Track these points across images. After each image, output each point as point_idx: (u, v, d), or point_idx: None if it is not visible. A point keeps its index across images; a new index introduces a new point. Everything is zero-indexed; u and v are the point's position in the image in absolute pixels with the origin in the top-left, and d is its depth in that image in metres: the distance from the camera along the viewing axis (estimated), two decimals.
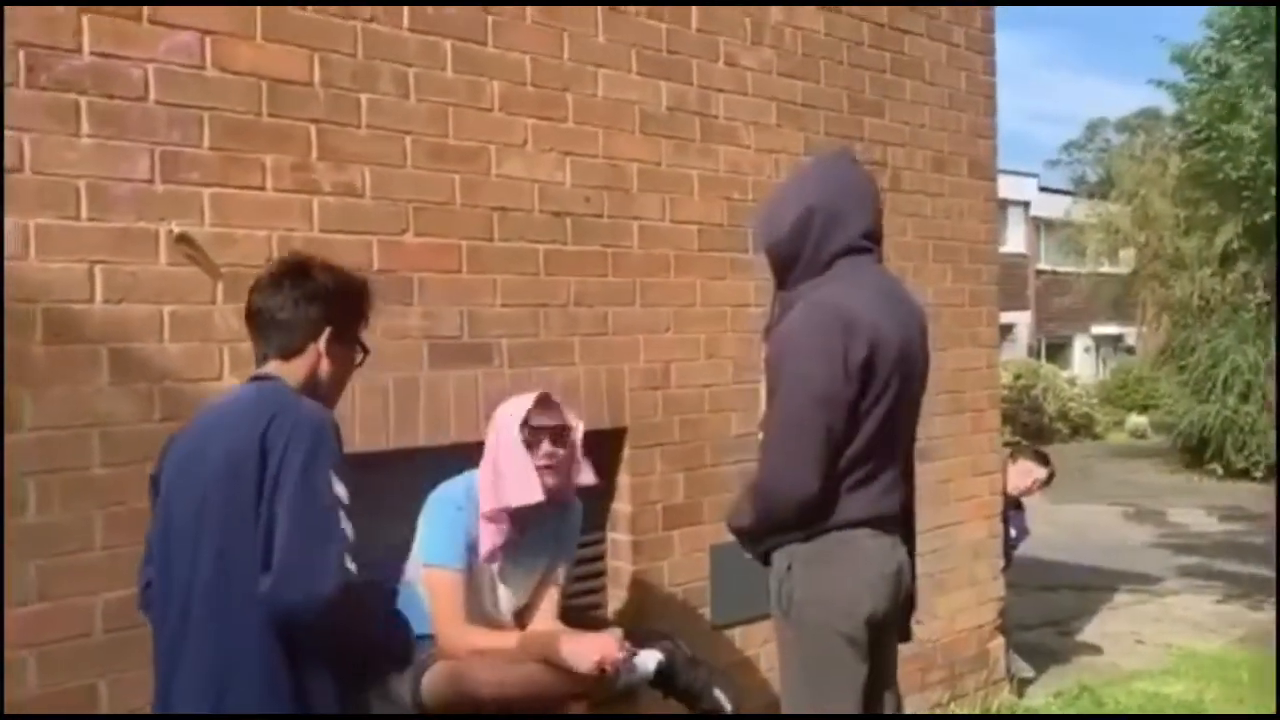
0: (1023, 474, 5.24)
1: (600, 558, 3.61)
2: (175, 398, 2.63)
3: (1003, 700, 4.85)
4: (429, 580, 2.75)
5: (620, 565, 3.61)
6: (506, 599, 2.88)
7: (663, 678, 2.82)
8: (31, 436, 2.44)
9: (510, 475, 2.72)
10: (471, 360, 3.17)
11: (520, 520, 2.79)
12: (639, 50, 3.56)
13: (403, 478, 2.90)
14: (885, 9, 4.33)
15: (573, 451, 2.83)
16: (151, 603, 2.09)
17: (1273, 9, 9.45)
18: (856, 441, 2.26)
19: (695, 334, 3.75)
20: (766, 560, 2.39)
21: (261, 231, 2.78)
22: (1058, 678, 5.34)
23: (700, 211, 3.75)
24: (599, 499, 3.59)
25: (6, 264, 2.42)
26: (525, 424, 2.75)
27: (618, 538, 3.61)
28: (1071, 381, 21.00)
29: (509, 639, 2.75)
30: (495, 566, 2.80)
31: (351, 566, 1.86)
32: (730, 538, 3.75)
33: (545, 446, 2.75)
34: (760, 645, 3.92)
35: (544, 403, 2.79)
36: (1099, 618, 6.86)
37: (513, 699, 2.62)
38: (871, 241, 2.45)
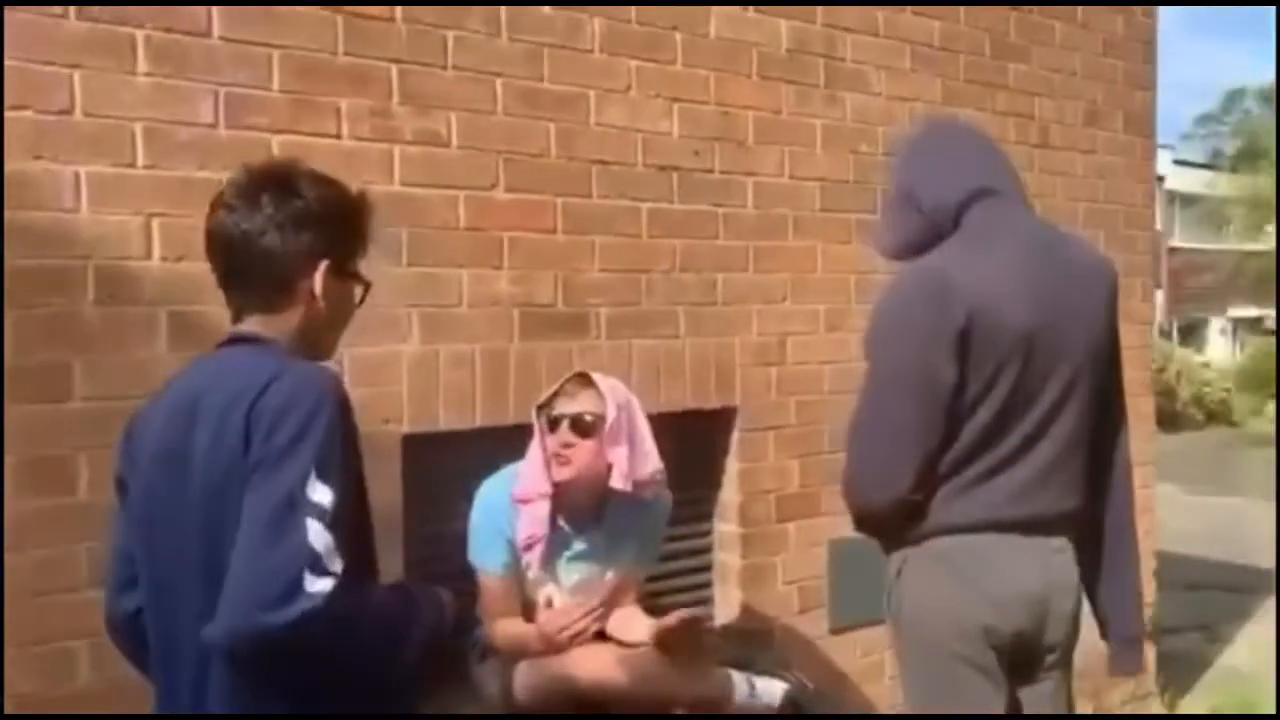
0: None
1: (706, 550, 3.27)
2: None
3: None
4: (481, 587, 2.51)
5: (728, 559, 3.26)
6: (562, 595, 2.52)
7: (795, 709, 2.52)
8: (82, 407, 2.22)
9: (527, 461, 2.46)
10: (566, 331, 2.85)
11: (566, 510, 2.47)
12: None
13: (491, 458, 2.61)
14: None
15: (605, 440, 2.42)
16: (144, 643, 1.59)
17: None
18: (969, 432, 1.87)
19: (815, 305, 3.36)
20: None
21: None
22: (1210, 690, 4.82)
23: (823, 167, 3.35)
24: (705, 486, 3.26)
25: (55, 215, 2.20)
26: (545, 407, 2.46)
27: (726, 529, 3.26)
28: (1206, 365, 19.77)
29: (527, 627, 2.46)
30: (537, 557, 2.47)
31: (319, 586, 1.33)
32: (850, 532, 3.43)
33: (562, 433, 2.42)
34: (884, 650, 3.52)
35: (580, 382, 2.47)
36: (1253, 623, 6.24)
37: (611, 694, 2.38)
38: (1000, 185, 2.02)
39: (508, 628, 2.47)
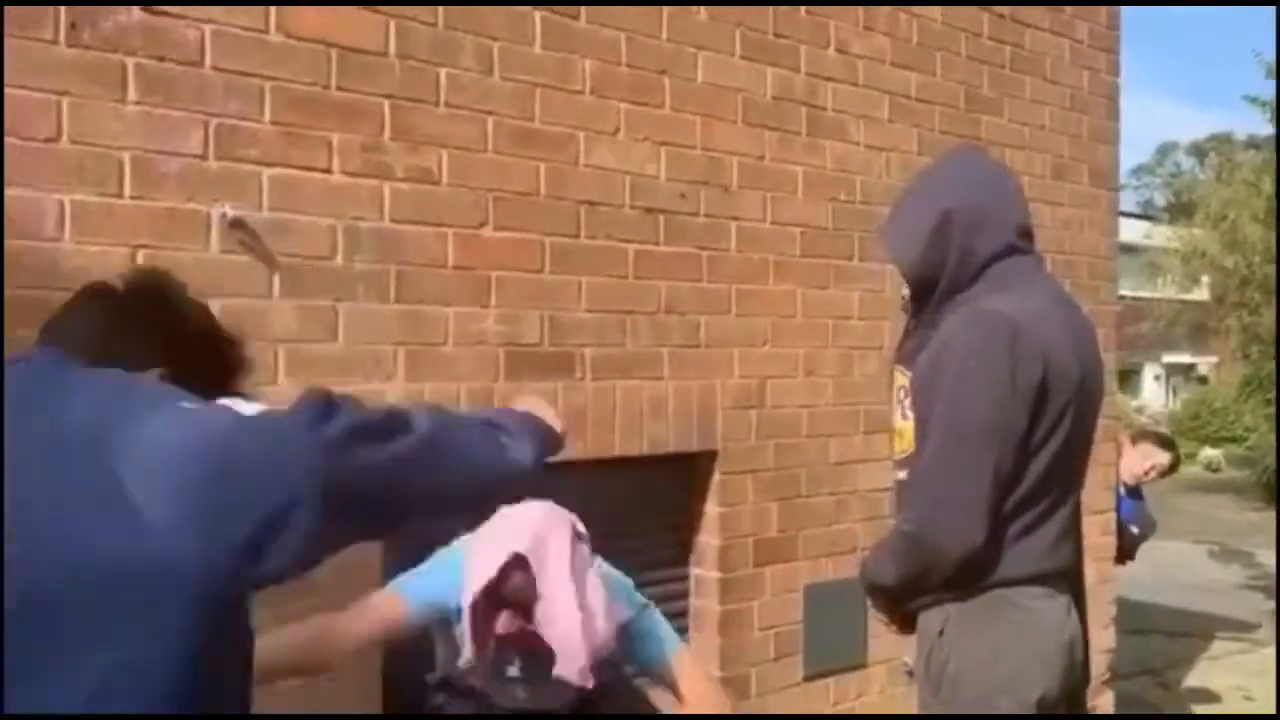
0: (1141, 458, 4.57)
1: (683, 596, 3.23)
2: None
3: None
4: (390, 594, 2.22)
5: (705, 604, 3.23)
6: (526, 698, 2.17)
7: None
8: None
9: (469, 631, 2.08)
10: (551, 371, 2.82)
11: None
12: (744, 32, 3.20)
13: None
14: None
15: (538, 626, 2.02)
16: None
17: None
18: (1026, 481, 1.87)
19: (794, 349, 3.37)
20: (909, 625, 2.01)
21: (325, 220, 2.46)
22: None
23: (804, 213, 3.38)
24: (683, 530, 3.23)
25: (40, 245, 2.12)
26: (488, 591, 2.03)
27: (704, 574, 3.23)
28: (1140, 410, 20.22)
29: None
30: (479, 666, 2.13)
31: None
32: (826, 576, 3.43)
33: (504, 617, 2.05)
34: (855, 699, 3.52)
35: (518, 567, 2.03)
36: (1199, 668, 6.36)
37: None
38: (1028, 241, 2.08)
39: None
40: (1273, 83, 10.72)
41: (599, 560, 2.22)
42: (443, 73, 2.64)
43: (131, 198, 2.21)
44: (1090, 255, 4.29)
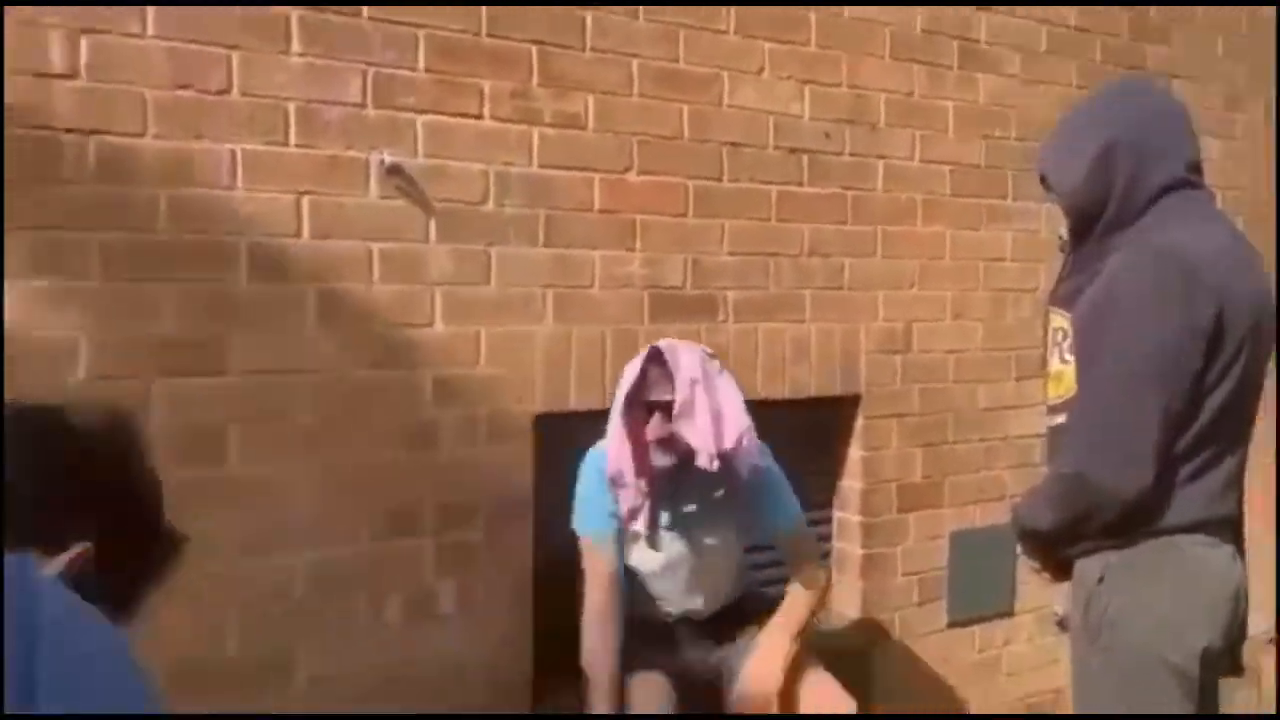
0: None
1: (825, 539, 3.23)
2: (383, 343, 2.42)
3: None
4: (582, 553, 2.47)
5: (848, 548, 3.23)
6: (664, 563, 2.50)
7: None
8: (236, 381, 2.27)
9: (614, 442, 2.38)
10: (695, 313, 2.83)
11: (661, 486, 2.41)
12: None
13: None
14: None
15: (678, 418, 2.31)
16: None
17: None
18: (1197, 424, 1.79)
19: (941, 291, 3.29)
20: (1063, 572, 1.96)
21: (478, 165, 2.52)
22: None
23: (954, 150, 3.27)
24: (826, 474, 3.22)
25: (214, 193, 2.24)
26: (631, 400, 2.35)
27: (847, 517, 3.22)
28: None
29: (598, 687, 2.40)
30: (641, 528, 2.44)
31: None
32: (973, 523, 3.37)
33: (656, 422, 2.34)
34: (1001, 646, 3.47)
35: (659, 366, 2.33)
36: None
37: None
38: (1198, 175, 1.96)
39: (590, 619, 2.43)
40: None
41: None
42: (589, 16, 2.64)
43: (296, 146, 2.31)
44: (1261, 191, 4.02)
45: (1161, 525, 1.81)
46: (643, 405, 2.35)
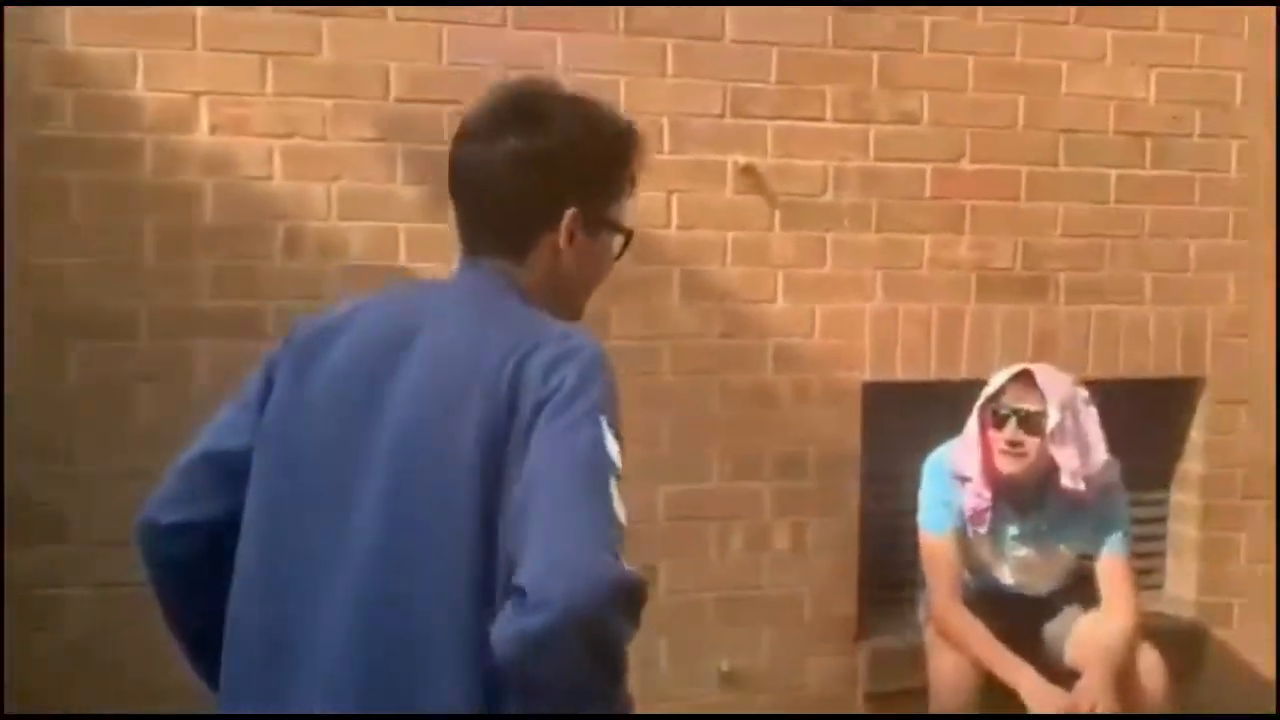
0: None
1: (1160, 519, 3.26)
2: (733, 316, 2.85)
3: None
4: (922, 546, 2.71)
5: (1184, 530, 3.23)
6: (1013, 578, 2.73)
7: None
8: (614, 344, 2.80)
9: (964, 448, 2.61)
10: (1023, 294, 3.00)
11: (1008, 493, 2.61)
12: None
13: (942, 408, 2.87)
14: None
15: (1050, 439, 2.52)
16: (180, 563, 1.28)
17: None
18: None
19: None
20: None
21: (818, 161, 2.87)
22: None
23: None
24: (1163, 456, 3.24)
25: None
26: (992, 400, 2.58)
27: (1184, 499, 3.23)
28: None
29: (983, 644, 2.58)
30: (981, 533, 2.64)
31: (628, 566, 1.06)
32: None
33: (1009, 429, 2.55)
34: None
35: (1024, 380, 2.56)
36: None
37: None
38: None
39: (955, 622, 2.61)
40: None
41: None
42: (928, 20, 2.89)
43: (669, 153, 2.79)
44: None
45: None
46: (997, 412, 2.58)
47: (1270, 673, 3.24)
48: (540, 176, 1.26)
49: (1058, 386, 2.57)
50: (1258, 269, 3.13)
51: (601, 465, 1.08)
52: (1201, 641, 3.16)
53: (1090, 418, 2.61)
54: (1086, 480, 2.56)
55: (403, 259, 2.64)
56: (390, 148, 2.62)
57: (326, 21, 2.56)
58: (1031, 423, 2.54)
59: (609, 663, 1.05)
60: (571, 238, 1.28)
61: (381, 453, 1.15)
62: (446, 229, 2.59)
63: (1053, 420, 2.52)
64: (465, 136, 1.30)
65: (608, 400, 1.13)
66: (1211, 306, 3.12)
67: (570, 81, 1.35)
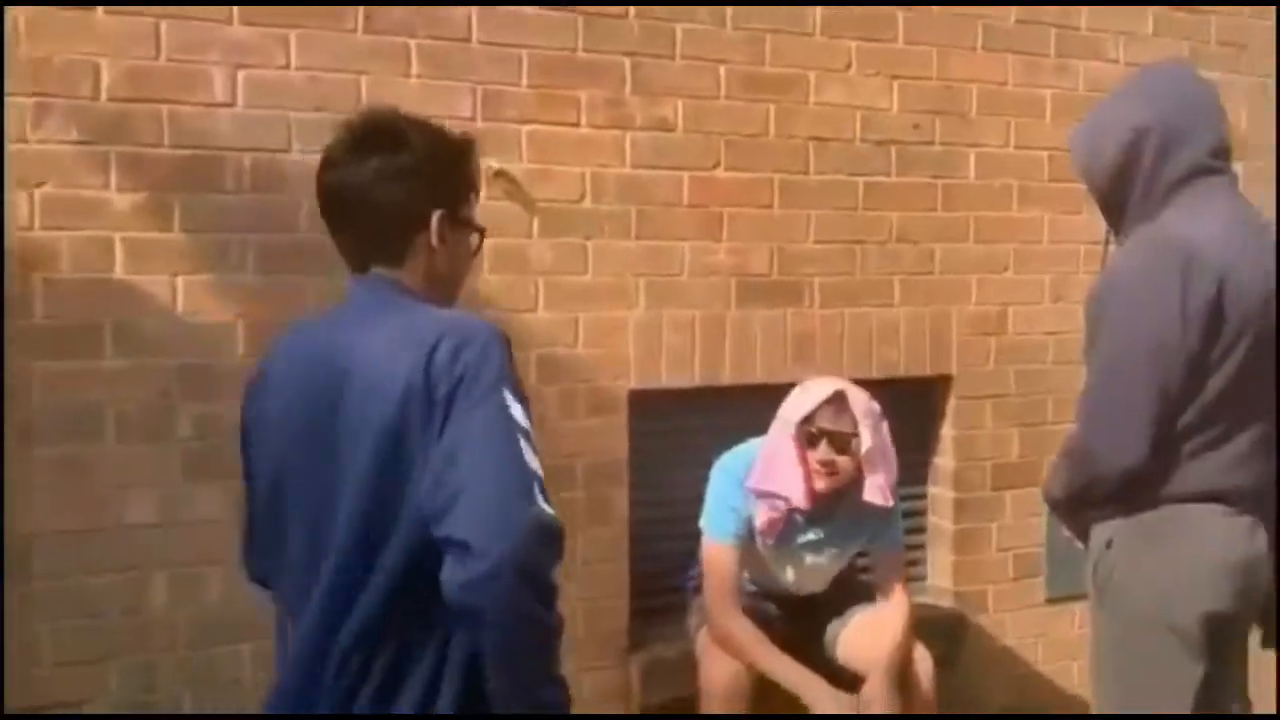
0: None
1: (920, 513, 3.38)
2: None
3: None
4: (704, 551, 2.69)
5: (941, 523, 3.37)
6: (794, 580, 2.76)
7: None
8: None
9: (777, 466, 2.61)
10: (780, 299, 3.05)
11: (814, 505, 2.65)
12: None
13: (707, 413, 2.87)
14: None
15: (864, 460, 2.60)
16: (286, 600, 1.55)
17: None
18: (1200, 400, 1.89)
19: (1039, 274, 3.37)
20: (1085, 537, 2.09)
21: (576, 168, 2.83)
22: None
23: (1052, 136, 3.32)
24: (919, 451, 3.36)
25: None
26: (806, 421, 2.59)
27: (939, 493, 3.36)
28: None
29: (763, 651, 2.59)
30: (771, 544, 2.67)
31: (548, 507, 1.33)
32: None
33: (822, 450, 2.58)
34: None
35: (837, 402, 2.59)
36: None
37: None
38: (1222, 161, 2.02)
39: (735, 630, 2.60)
40: None
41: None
42: (679, 28, 2.90)
43: None
44: None
45: (1170, 494, 1.93)
46: (810, 433, 2.59)
47: (1028, 655, 3.42)
48: (406, 186, 1.48)
49: (867, 406, 2.62)
50: (998, 271, 3.30)
51: (509, 429, 1.34)
52: (961, 629, 3.29)
53: (887, 431, 2.68)
54: (886, 496, 2.65)
55: (119, 271, 2.41)
56: (102, 151, 2.40)
57: (24, 14, 2.32)
58: (842, 443, 2.57)
59: (543, 590, 1.34)
60: (442, 237, 1.51)
61: (347, 431, 1.41)
62: (173, 237, 2.51)
63: (866, 443, 2.57)
64: (331, 165, 1.51)
65: (505, 371, 1.38)
66: (955, 307, 3.26)
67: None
